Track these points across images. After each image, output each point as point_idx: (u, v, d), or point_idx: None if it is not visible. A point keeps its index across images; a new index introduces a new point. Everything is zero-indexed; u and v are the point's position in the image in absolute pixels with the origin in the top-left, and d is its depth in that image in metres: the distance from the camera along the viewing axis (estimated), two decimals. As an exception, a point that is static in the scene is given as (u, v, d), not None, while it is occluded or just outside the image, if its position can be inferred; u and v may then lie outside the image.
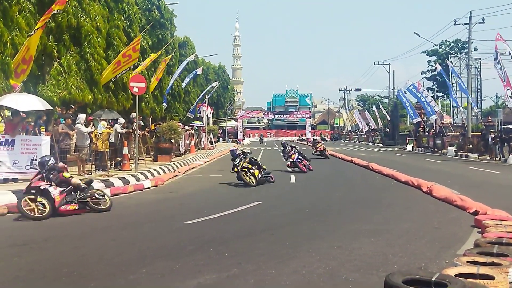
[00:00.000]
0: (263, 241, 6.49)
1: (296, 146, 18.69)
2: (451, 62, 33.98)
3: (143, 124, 20.47)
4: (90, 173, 13.60)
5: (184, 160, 21.17)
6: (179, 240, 6.62)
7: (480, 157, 25.36)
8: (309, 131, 55.91)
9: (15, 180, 11.26)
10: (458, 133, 31.56)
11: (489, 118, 32.81)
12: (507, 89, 22.51)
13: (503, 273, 4.15)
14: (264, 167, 13.53)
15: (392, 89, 51.97)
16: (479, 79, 35.27)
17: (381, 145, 47.72)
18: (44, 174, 8.43)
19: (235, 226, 7.69)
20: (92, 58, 15.33)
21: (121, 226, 7.81)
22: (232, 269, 5.12)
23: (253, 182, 12.68)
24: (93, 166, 14.27)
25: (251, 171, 12.81)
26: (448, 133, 32.95)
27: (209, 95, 39.96)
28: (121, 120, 15.92)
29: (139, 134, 16.31)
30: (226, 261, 5.42)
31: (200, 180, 14.20)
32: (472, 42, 32.54)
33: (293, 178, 14.95)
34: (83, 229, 7.48)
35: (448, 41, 53.07)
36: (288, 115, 73.18)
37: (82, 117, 13.63)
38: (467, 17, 30.95)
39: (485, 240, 5.62)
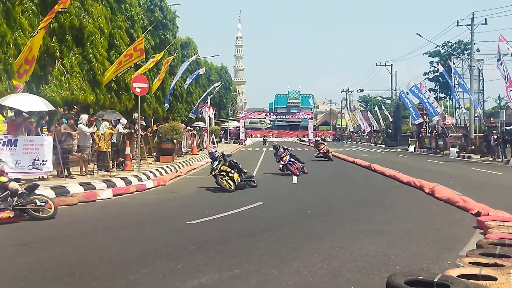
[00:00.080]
0: (265, 241, 6.48)
1: (289, 148, 17.53)
2: (453, 63, 33.87)
3: (145, 124, 20.48)
4: (92, 174, 13.65)
5: (186, 161, 21.19)
6: (180, 240, 6.62)
7: (482, 158, 25.28)
8: (311, 132, 55.95)
9: (17, 180, 11.25)
10: (461, 134, 31.49)
11: (492, 119, 32.75)
12: (510, 90, 22.49)
13: (506, 274, 4.12)
14: (245, 171, 12.81)
15: (394, 90, 51.85)
16: (481, 80, 35.29)
17: (383, 146, 47.61)
18: None
19: (237, 226, 7.69)
20: (94, 59, 15.34)
21: (122, 226, 7.82)
22: (234, 269, 5.11)
23: (231, 187, 11.82)
24: (95, 166, 14.32)
25: (230, 174, 12.01)
26: (451, 134, 32.89)
27: (211, 95, 39.93)
28: (123, 121, 15.94)
29: (141, 135, 16.33)
30: (227, 261, 5.42)
31: (202, 181, 14.19)
32: (474, 43, 32.40)
33: (295, 179, 14.93)
34: (84, 229, 7.48)
35: (451, 42, 52.78)
36: (290, 116, 73.03)
37: (84, 117, 13.65)
38: (470, 18, 30.84)
39: (487, 241, 5.61)
